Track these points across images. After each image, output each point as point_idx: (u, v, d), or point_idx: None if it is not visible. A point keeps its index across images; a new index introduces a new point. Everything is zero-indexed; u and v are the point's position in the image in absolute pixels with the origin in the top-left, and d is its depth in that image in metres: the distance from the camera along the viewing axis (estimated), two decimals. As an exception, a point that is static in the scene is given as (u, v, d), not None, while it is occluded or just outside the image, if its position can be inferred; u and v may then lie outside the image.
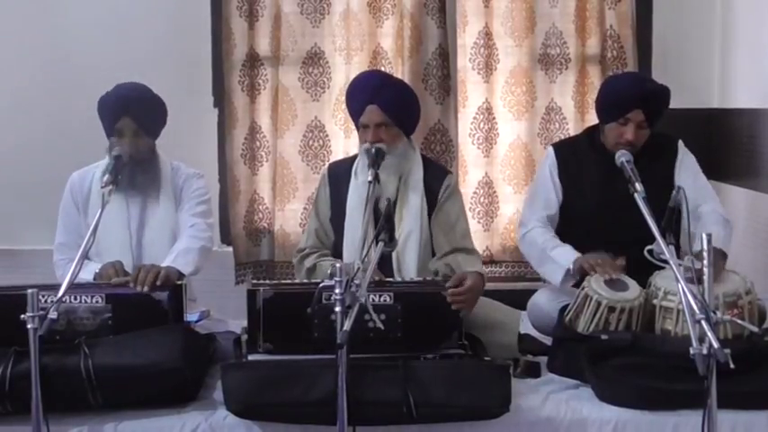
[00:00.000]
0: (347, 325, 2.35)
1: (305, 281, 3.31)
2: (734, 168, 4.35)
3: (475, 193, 4.49)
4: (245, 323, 2.94)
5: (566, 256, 3.36)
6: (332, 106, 4.42)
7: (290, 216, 4.47)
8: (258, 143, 4.41)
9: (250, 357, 2.85)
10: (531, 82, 4.45)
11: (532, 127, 4.46)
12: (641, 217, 2.78)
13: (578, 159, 3.57)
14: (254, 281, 3.05)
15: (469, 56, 4.43)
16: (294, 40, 4.39)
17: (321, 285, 2.64)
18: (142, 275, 2.92)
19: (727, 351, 2.22)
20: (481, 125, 4.46)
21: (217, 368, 2.81)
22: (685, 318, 2.39)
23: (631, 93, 3.42)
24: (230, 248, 4.44)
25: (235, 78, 4.36)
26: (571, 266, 3.31)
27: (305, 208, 4.38)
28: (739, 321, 2.72)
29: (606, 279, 3.09)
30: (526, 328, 3.39)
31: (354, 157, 3.54)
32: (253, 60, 4.37)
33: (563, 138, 4.29)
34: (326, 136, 4.43)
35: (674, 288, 2.71)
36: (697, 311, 2.31)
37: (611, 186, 3.36)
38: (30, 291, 2.45)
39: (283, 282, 3.59)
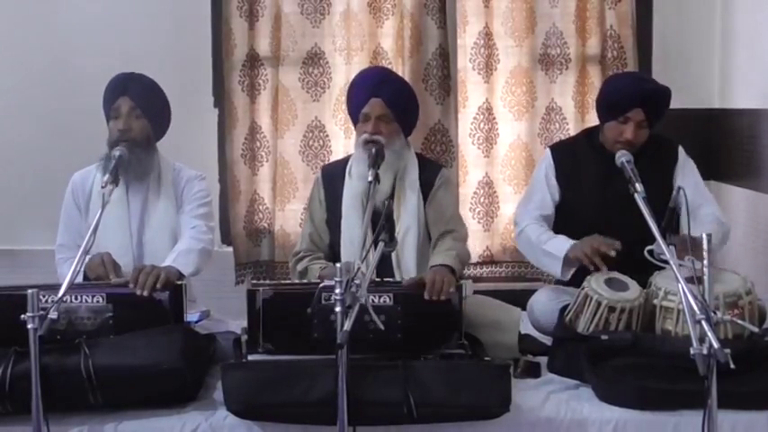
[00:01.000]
0: (347, 325, 2.35)
1: (304, 281, 3.31)
2: (734, 168, 4.35)
3: (475, 193, 4.49)
4: (245, 323, 2.94)
5: (559, 246, 3.37)
6: (332, 106, 4.42)
7: (291, 216, 4.47)
8: (258, 143, 4.41)
9: (250, 357, 2.85)
10: (532, 82, 4.45)
11: (533, 127, 4.47)
12: (640, 217, 2.78)
13: (577, 160, 3.58)
14: (254, 281, 3.06)
15: (470, 56, 4.43)
16: (294, 40, 4.39)
17: (321, 285, 2.64)
18: (142, 278, 2.90)
19: (728, 351, 2.22)
20: (481, 125, 4.46)
21: (217, 368, 2.80)
22: (686, 318, 2.39)
23: (632, 91, 3.43)
24: (230, 249, 4.44)
25: (235, 78, 4.36)
26: (568, 252, 3.32)
27: (305, 208, 4.36)
28: (739, 321, 2.73)
29: (606, 279, 3.09)
30: (526, 328, 3.39)
31: (347, 158, 3.55)
32: (253, 60, 4.37)
33: (563, 138, 4.29)
34: (326, 136, 4.43)
35: (674, 288, 2.71)
36: (697, 311, 2.31)
37: (611, 186, 3.36)
38: (30, 291, 2.44)
39: (283, 282, 3.59)
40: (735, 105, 4.38)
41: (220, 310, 3.54)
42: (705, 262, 2.45)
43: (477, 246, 4.48)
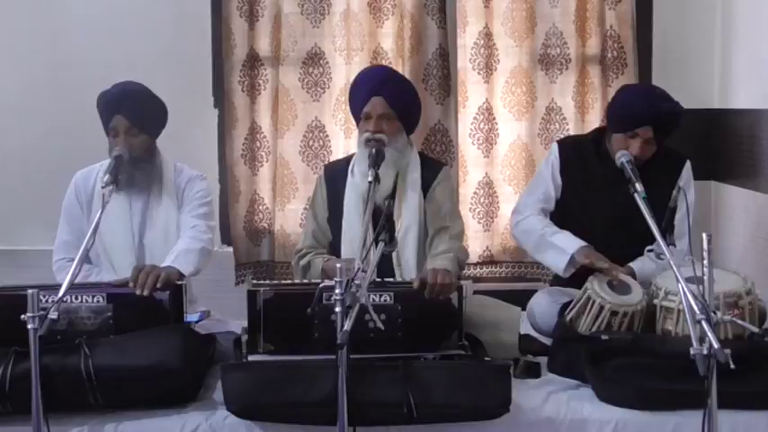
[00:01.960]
0: (347, 325, 2.35)
1: (305, 281, 3.31)
2: (734, 168, 4.35)
3: (475, 193, 4.49)
4: (245, 323, 2.93)
5: (568, 242, 3.35)
6: (332, 106, 4.42)
7: (291, 216, 4.47)
8: (258, 143, 4.41)
9: (250, 358, 2.85)
10: (532, 82, 4.45)
11: (533, 127, 4.46)
12: (642, 226, 2.76)
13: (582, 161, 3.56)
14: (255, 281, 3.04)
15: (470, 56, 4.43)
16: (294, 40, 4.39)
17: (321, 285, 2.64)
18: (142, 278, 2.90)
19: (728, 351, 2.22)
20: (481, 125, 4.46)
21: (217, 368, 2.80)
22: (686, 318, 2.39)
23: (644, 110, 3.37)
24: (230, 249, 4.45)
25: (235, 78, 4.36)
26: (575, 253, 3.29)
27: (305, 208, 4.37)
28: (740, 322, 2.73)
29: (609, 281, 3.09)
30: (526, 328, 3.39)
31: (350, 157, 3.55)
32: (253, 60, 4.37)
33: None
34: (327, 136, 4.43)
35: (674, 288, 2.71)
36: (697, 312, 2.31)
37: (612, 193, 3.35)
38: (30, 291, 2.44)
39: (283, 282, 3.57)
40: (735, 105, 4.38)
41: (220, 310, 3.54)
42: (705, 262, 2.45)
43: (477, 246, 4.49)
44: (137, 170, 3.29)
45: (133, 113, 3.27)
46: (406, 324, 2.85)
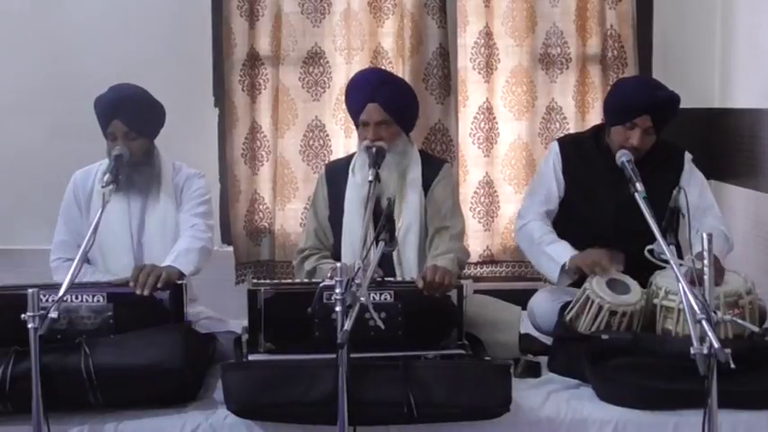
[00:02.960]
0: (348, 324, 2.35)
1: (305, 280, 3.31)
2: (734, 168, 4.35)
3: (475, 193, 4.49)
4: (245, 323, 2.94)
5: (561, 252, 3.36)
6: (332, 106, 4.42)
7: (291, 216, 4.46)
8: (258, 143, 4.41)
9: (250, 357, 2.85)
10: (532, 82, 4.44)
11: (533, 127, 4.46)
12: (643, 224, 2.76)
13: (583, 158, 3.56)
14: (255, 281, 3.05)
15: (470, 55, 4.42)
16: (294, 39, 4.39)
17: (322, 285, 2.64)
18: (142, 278, 2.90)
19: (728, 351, 2.22)
20: (482, 125, 4.46)
21: (217, 368, 2.81)
22: (686, 317, 2.40)
23: (641, 98, 3.39)
24: (231, 248, 4.44)
25: (235, 78, 4.36)
26: (567, 263, 3.30)
27: (305, 208, 4.37)
28: (740, 321, 2.73)
29: (608, 280, 3.08)
30: (526, 327, 3.39)
31: (351, 156, 3.55)
32: (253, 60, 4.37)
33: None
34: (327, 136, 4.43)
35: (675, 288, 2.71)
36: (698, 311, 2.31)
37: (613, 189, 3.35)
38: (30, 290, 2.45)
39: (284, 282, 3.60)
40: (735, 105, 4.38)
41: (220, 310, 3.54)
42: (705, 262, 2.45)
43: (477, 246, 4.48)
44: (135, 172, 3.29)
45: (130, 118, 3.26)
46: (406, 322, 2.85)
